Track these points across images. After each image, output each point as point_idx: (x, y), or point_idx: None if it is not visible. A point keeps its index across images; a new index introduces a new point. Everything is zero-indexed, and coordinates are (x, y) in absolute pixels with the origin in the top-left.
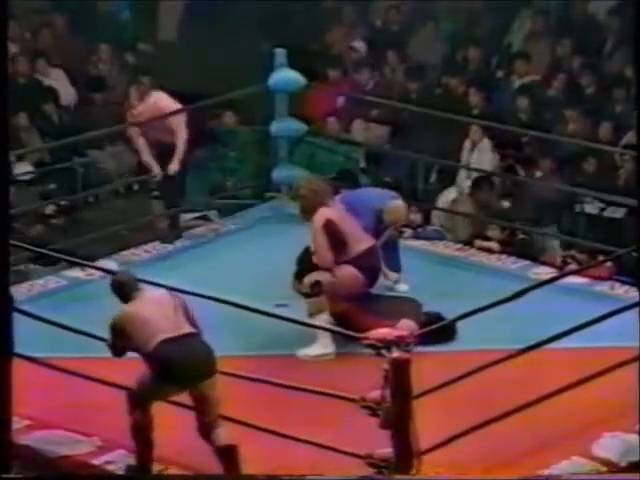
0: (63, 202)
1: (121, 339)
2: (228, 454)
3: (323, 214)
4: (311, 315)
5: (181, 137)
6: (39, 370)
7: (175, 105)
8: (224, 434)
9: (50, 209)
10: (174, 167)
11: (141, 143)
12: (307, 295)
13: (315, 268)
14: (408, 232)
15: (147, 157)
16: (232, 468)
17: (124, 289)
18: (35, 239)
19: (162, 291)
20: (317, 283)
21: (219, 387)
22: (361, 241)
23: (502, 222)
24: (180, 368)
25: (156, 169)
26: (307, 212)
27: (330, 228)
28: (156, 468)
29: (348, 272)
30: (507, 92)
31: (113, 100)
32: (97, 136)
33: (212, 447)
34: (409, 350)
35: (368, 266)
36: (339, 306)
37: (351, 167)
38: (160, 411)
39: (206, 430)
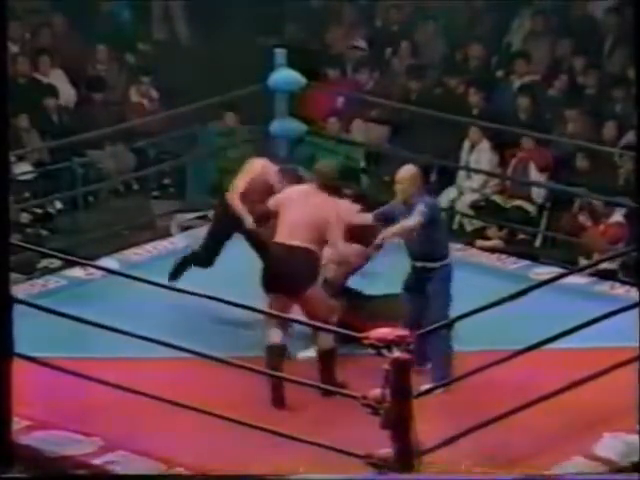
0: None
1: None
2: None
3: None
4: None
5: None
6: (39, 370)
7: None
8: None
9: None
10: None
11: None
12: None
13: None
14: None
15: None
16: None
17: None
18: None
19: None
20: (331, 284)
21: None
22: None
23: (502, 222)
24: None
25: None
26: None
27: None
28: (159, 468)
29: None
30: (507, 92)
31: (113, 100)
32: (97, 136)
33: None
34: (409, 350)
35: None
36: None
37: (352, 166)
38: (160, 411)
39: None
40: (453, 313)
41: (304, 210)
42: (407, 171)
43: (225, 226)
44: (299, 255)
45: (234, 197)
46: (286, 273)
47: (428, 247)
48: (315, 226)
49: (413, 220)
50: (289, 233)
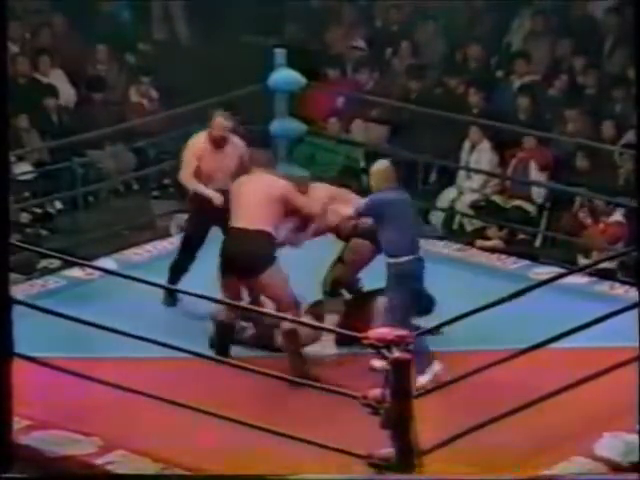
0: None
1: None
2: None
3: None
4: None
5: None
6: (39, 370)
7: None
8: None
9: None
10: None
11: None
12: (326, 293)
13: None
14: None
15: None
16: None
17: None
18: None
19: None
20: (338, 282)
21: None
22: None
23: (502, 222)
24: None
25: None
26: None
27: None
28: (157, 467)
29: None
30: (507, 92)
31: (113, 100)
32: (97, 136)
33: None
34: (409, 350)
35: None
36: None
37: (352, 166)
38: (159, 411)
39: None
40: (454, 312)
41: (256, 188)
42: (379, 165)
43: (200, 222)
44: (254, 238)
45: (189, 179)
46: (240, 257)
47: (382, 242)
48: (269, 201)
49: (345, 210)
50: (244, 216)
